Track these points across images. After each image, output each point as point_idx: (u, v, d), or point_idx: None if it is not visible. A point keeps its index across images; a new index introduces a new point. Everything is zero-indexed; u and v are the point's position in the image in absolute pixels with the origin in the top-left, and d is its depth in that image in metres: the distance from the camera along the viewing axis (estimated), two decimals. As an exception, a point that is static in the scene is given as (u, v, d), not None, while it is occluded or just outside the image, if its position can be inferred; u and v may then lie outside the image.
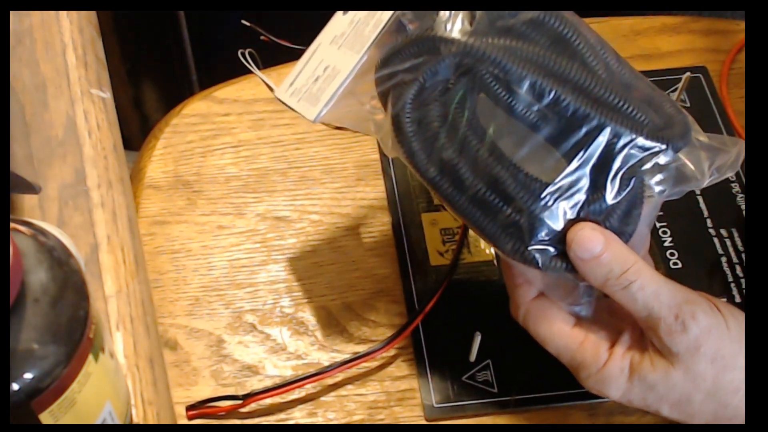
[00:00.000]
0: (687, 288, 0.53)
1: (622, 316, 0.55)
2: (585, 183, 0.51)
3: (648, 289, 0.51)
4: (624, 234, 0.53)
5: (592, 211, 0.52)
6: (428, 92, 0.52)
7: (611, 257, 0.51)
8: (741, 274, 0.67)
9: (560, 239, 0.52)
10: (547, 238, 0.52)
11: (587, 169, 0.51)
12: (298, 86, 0.56)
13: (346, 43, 0.55)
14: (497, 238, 0.52)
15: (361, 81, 0.54)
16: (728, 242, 0.69)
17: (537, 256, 0.52)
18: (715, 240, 0.69)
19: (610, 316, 0.56)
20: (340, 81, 0.54)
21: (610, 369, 0.53)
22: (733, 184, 0.72)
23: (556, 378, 0.61)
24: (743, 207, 0.70)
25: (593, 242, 0.51)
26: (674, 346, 0.51)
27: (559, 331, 0.55)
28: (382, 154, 0.72)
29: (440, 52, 0.51)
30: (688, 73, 0.75)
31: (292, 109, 0.56)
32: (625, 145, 0.51)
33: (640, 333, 0.54)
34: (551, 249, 0.52)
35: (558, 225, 0.51)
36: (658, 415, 0.54)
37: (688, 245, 0.69)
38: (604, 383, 0.54)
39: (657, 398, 0.53)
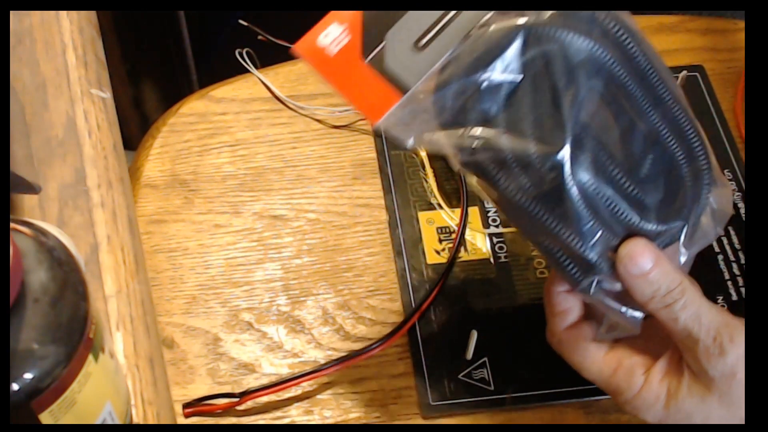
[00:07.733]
0: (730, 313, 0.52)
1: (659, 341, 0.55)
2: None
3: (690, 309, 0.51)
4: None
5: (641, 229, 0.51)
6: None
7: (660, 275, 0.51)
8: (738, 272, 0.67)
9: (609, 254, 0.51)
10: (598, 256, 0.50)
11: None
12: None
13: None
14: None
15: None
16: (725, 240, 0.69)
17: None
18: (711, 238, 0.69)
19: (646, 341, 0.55)
20: None
21: (646, 395, 0.53)
22: (730, 182, 0.72)
23: (553, 376, 0.62)
24: (741, 206, 0.71)
25: (644, 258, 0.50)
26: (711, 369, 0.51)
27: (593, 358, 0.55)
28: (379, 153, 0.73)
29: None
30: (684, 72, 0.76)
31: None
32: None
33: (678, 358, 0.53)
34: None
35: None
36: None
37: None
38: (640, 409, 0.53)
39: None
